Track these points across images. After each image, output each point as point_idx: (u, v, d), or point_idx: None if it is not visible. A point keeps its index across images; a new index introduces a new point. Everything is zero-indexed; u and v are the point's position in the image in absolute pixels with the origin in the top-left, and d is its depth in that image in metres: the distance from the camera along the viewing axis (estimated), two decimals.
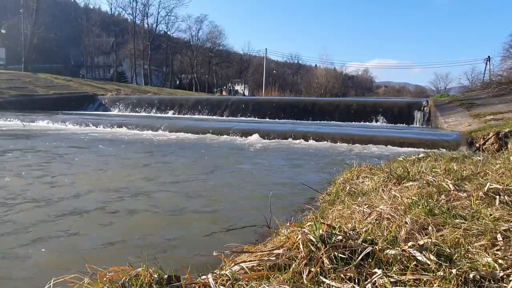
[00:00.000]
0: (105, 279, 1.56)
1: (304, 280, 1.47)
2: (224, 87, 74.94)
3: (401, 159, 4.88)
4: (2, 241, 2.79)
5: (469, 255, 1.60)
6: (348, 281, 1.44)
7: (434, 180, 3.00)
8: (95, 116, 15.95)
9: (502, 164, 3.35)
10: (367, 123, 16.76)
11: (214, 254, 1.84)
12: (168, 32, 61.23)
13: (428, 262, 1.49)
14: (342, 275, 1.47)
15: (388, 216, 2.14)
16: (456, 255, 1.58)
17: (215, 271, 1.63)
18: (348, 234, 1.71)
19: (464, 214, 2.13)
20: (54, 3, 62.67)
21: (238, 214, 3.54)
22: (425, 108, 16.37)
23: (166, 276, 1.59)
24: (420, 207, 2.27)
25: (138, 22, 56.71)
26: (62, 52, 58.91)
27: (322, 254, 1.56)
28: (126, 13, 58.09)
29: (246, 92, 73.10)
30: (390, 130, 11.50)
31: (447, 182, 2.85)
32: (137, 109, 22.40)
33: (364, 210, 2.36)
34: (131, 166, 5.98)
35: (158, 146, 8.87)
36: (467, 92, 22.10)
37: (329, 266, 1.51)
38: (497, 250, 1.62)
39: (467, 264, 1.50)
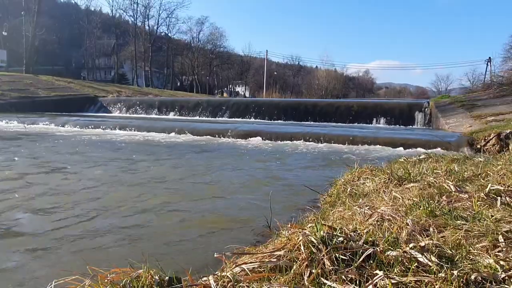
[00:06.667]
0: (106, 280, 1.56)
1: (305, 282, 1.47)
2: (225, 89, 75.06)
3: (402, 160, 4.88)
4: (2, 243, 2.80)
5: (471, 256, 1.59)
6: (349, 283, 1.44)
7: (435, 181, 3.00)
8: (95, 118, 15.98)
9: (504, 165, 3.34)
10: (368, 124, 16.75)
11: (215, 255, 1.84)
12: (169, 34, 61.50)
13: (430, 263, 1.49)
14: (343, 276, 1.47)
15: (389, 217, 2.14)
16: (457, 257, 1.58)
17: (216, 272, 1.63)
18: (349, 236, 1.71)
19: (466, 216, 2.13)
20: (55, 5, 62.92)
21: (239, 215, 3.53)
22: (426, 109, 16.36)
23: (167, 277, 1.60)
24: (421, 208, 2.26)
25: (139, 24, 56.98)
26: (63, 54, 59.09)
27: (323, 255, 1.56)
28: (127, 15, 58.44)
29: (247, 94, 73.20)
30: (391, 132, 11.49)
31: (448, 183, 2.85)
32: (138, 110, 22.44)
33: (365, 211, 2.36)
34: (131, 169, 5.99)
35: (155, 147, 8.88)
36: (468, 93, 22.10)
37: (330, 268, 1.51)
38: (498, 251, 1.62)
39: (469, 265, 1.49)
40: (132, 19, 56.99)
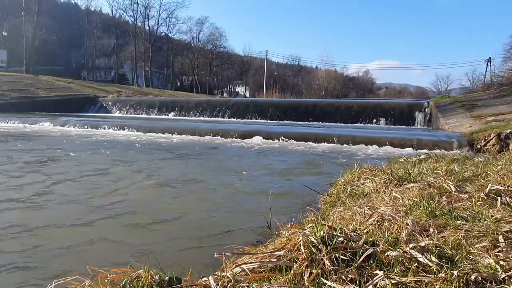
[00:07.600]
0: (106, 281, 1.56)
1: (305, 282, 1.47)
2: (225, 89, 75.10)
3: (402, 160, 4.88)
4: (2, 243, 2.79)
5: (471, 256, 1.59)
6: (349, 283, 1.44)
7: (435, 181, 3.00)
8: (95, 118, 15.98)
9: (504, 165, 3.34)
10: (368, 124, 16.75)
11: (215, 255, 1.84)
12: (169, 34, 61.61)
13: (430, 263, 1.49)
14: (343, 276, 1.47)
15: (389, 217, 2.14)
16: (457, 257, 1.58)
17: (216, 272, 1.63)
18: (349, 236, 1.71)
19: (466, 216, 2.13)
20: (56, 6, 62.98)
21: (239, 216, 3.53)
22: (426, 109, 16.36)
23: (167, 278, 1.59)
24: (421, 208, 2.26)
25: (139, 24, 57.07)
26: (63, 54, 59.15)
27: (323, 255, 1.56)
28: (127, 15, 58.58)
29: (247, 94, 73.22)
30: (391, 132, 11.49)
31: (448, 183, 2.85)
32: (138, 111, 22.44)
33: (365, 211, 2.36)
34: (130, 170, 5.99)
35: (156, 147, 8.88)
36: (468, 93, 22.10)
37: (330, 268, 1.51)
38: (498, 251, 1.62)
39: (469, 265, 1.49)
40: (132, 19, 57.17)
